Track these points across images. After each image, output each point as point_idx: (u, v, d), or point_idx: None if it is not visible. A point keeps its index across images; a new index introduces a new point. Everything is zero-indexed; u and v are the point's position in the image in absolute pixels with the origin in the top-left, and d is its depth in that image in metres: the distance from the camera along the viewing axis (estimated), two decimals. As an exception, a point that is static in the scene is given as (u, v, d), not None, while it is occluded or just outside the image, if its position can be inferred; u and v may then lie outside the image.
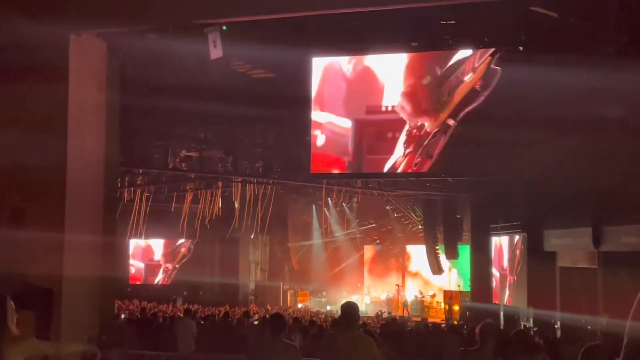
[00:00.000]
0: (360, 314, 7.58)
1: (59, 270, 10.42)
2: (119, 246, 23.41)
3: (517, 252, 23.62)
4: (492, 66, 13.93)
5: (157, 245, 36.03)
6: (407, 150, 14.68)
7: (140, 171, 26.05)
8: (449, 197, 28.32)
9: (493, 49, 14.01)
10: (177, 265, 35.66)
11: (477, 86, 14.07)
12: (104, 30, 11.37)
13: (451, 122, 14.33)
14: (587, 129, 15.59)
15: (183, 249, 35.68)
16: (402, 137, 14.69)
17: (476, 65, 14.11)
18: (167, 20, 11.43)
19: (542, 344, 6.96)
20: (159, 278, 35.85)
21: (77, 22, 10.79)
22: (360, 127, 15.31)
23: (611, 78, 12.67)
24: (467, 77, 14.17)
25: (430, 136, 14.51)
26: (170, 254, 35.96)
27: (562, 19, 12.92)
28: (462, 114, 14.24)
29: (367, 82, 15.23)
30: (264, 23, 12.02)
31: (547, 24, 13.20)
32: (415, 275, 35.57)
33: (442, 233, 30.54)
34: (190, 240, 34.48)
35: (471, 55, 14.20)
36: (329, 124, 15.51)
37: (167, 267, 35.93)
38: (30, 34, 10.31)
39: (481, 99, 13.99)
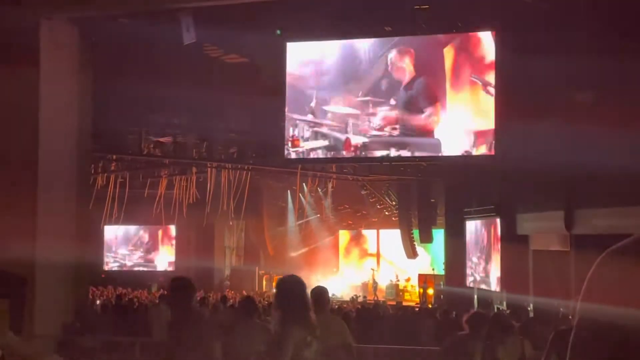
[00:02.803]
0: (336, 299, 7.56)
1: (32, 257, 10.35)
2: (93, 232, 23.25)
3: (491, 235, 23.83)
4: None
5: (131, 232, 35.90)
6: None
7: (114, 157, 25.86)
8: (423, 182, 28.43)
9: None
10: (152, 252, 35.59)
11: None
12: (75, 14, 11.26)
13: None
14: (560, 113, 15.72)
15: (159, 235, 35.60)
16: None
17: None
18: (139, 5, 11.34)
19: (517, 325, 7.08)
20: (132, 264, 35.73)
21: (47, 6, 10.68)
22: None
23: (584, 63, 12.77)
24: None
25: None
26: (144, 240, 35.84)
27: (535, 4, 12.99)
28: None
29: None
30: (238, 7, 11.97)
31: (520, 8, 13.27)
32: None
33: (417, 217, 30.69)
34: (165, 226, 34.39)
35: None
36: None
37: (141, 254, 35.84)
38: None
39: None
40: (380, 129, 14.33)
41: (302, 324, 5.01)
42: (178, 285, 5.97)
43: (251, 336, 6.92)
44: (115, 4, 11.18)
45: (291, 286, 5.29)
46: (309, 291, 6.03)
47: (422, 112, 14.19)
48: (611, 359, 1.27)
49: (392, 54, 14.24)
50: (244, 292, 28.97)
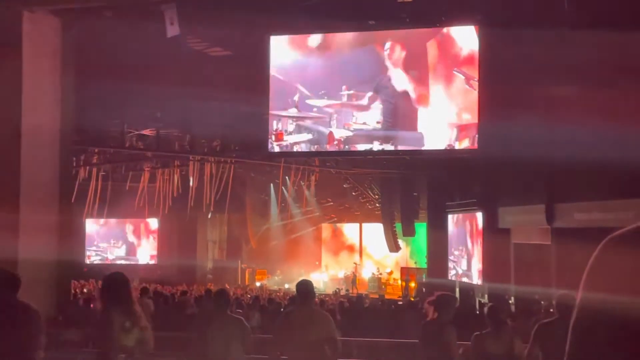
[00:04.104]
0: (319, 292, 7.59)
1: (15, 251, 10.31)
2: (75, 226, 23.13)
3: (473, 229, 23.96)
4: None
5: (113, 225, 35.77)
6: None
7: (96, 150, 25.73)
8: (406, 175, 28.49)
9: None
10: (134, 245, 35.49)
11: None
12: (57, 7, 11.19)
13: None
14: (542, 107, 15.81)
15: (141, 229, 35.51)
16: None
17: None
18: (122, -3, 11.30)
19: (510, 323, 7.14)
20: (113, 257, 35.60)
21: (30, -2, 10.61)
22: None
23: (566, 54, 12.85)
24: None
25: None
26: (126, 233, 35.73)
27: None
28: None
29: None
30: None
31: (502, 2, 13.32)
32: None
33: (399, 211, 30.77)
34: (147, 220, 34.31)
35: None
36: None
37: (123, 247, 35.72)
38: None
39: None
40: (364, 122, 14.35)
41: (121, 313, 5.69)
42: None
43: (226, 329, 6.95)
44: (98, -4, 11.13)
45: (113, 280, 6.16)
46: (293, 285, 6.12)
47: (405, 105, 14.23)
48: (611, 345, 1.30)
49: (380, 46, 14.26)
50: (227, 286, 29.00)
